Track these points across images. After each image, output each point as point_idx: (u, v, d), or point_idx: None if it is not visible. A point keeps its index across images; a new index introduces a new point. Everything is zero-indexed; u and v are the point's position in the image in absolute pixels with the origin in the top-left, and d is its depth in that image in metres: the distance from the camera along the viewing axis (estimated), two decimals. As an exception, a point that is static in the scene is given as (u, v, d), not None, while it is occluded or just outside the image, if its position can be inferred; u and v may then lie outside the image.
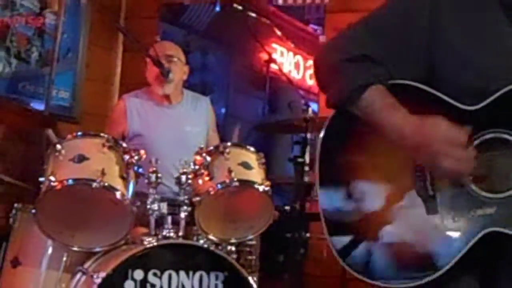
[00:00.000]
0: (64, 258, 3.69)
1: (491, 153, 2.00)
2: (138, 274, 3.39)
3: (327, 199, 2.28)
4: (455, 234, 2.02)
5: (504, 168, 2.00)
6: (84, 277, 3.53)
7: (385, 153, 2.14)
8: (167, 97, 4.46)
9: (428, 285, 2.02)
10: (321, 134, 2.23)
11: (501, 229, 1.94)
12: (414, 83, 2.10)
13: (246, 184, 3.70)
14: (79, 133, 3.71)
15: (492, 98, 1.97)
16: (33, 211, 3.58)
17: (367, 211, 2.18)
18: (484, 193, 1.98)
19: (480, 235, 1.95)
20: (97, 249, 3.63)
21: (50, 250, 3.75)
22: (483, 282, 2.05)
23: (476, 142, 1.98)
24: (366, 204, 2.18)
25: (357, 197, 2.21)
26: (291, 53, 7.93)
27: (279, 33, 7.62)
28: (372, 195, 2.17)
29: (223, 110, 7.22)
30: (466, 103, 2.01)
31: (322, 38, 5.53)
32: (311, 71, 7.90)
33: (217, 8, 6.76)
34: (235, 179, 3.64)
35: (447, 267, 1.98)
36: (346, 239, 2.21)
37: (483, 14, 2.10)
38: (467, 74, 2.04)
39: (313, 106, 5.66)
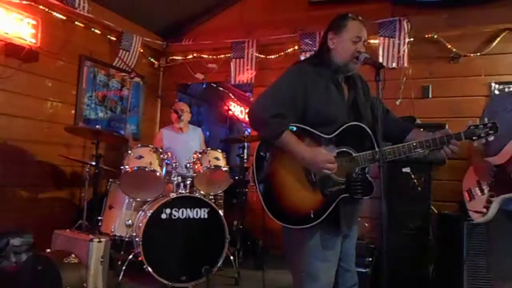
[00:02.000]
0: (133, 204, 3.69)
1: (341, 159, 1.98)
2: (167, 210, 3.37)
3: (262, 184, 2.07)
4: (326, 200, 1.97)
5: (346, 166, 1.98)
6: (142, 213, 3.51)
7: (289, 162, 2.01)
8: (181, 129, 4.39)
9: (309, 228, 1.98)
10: (255, 152, 2.09)
11: (347, 195, 1.95)
12: (305, 126, 2.01)
13: (217, 167, 3.67)
14: (139, 145, 3.65)
15: (337, 131, 1.98)
16: (118, 182, 3.55)
17: (282, 187, 2.04)
18: (339, 178, 1.96)
19: (339, 198, 1.96)
20: (148, 199, 3.60)
21: (126, 200, 3.73)
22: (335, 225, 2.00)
23: (334, 153, 1.96)
24: (282, 184, 2.04)
25: (281, 184, 2.05)
26: (238, 106, 7.93)
27: (233, 97, 7.67)
28: (286, 181, 2.04)
29: (207, 133, 7.17)
30: (324, 133, 1.99)
31: (251, 99, 5.51)
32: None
33: (204, 86, 6.74)
34: (212, 165, 3.65)
35: (323, 216, 1.96)
36: (270, 198, 2.04)
37: (327, 88, 2.04)
38: (322, 119, 2.00)
39: (248, 130, 5.67)
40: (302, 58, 4.67)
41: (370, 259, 3.31)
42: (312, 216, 1.96)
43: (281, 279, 3.67)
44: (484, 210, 2.53)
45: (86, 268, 2.93)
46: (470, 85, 4.25)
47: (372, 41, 4.48)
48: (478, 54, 4.25)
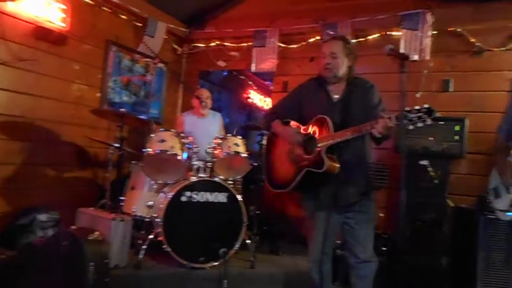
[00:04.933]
0: (155, 186, 3.69)
1: (309, 141, 2.44)
2: (187, 193, 3.38)
3: (266, 162, 2.76)
4: (297, 172, 2.46)
5: (311, 146, 2.41)
6: (163, 195, 3.51)
7: (279, 146, 2.68)
8: (202, 114, 4.37)
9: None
10: (265, 140, 2.89)
11: (310, 168, 2.38)
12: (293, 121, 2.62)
13: (237, 153, 3.64)
14: (162, 129, 3.65)
15: (310, 122, 2.49)
16: (141, 164, 3.58)
17: (274, 164, 2.70)
18: (306, 156, 2.42)
19: (304, 171, 2.41)
20: (169, 182, 3.61)
21: (148, 182, 3.75)
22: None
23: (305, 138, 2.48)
24: (273, 161, 2.70)
25: (273, 161, 2.70)
26: (258, 94, 7.85)
27: (252, 85, 7.63)
28: (276, 159, 2.68)
29: (227, 120, 7.06)
30: (303, 124, 2.55)
31: (271, 88, 5.45)
32: (266, 103, 7.82)
33: (225, 73, 6.71)
34: (232, 151, 3.63)
35: (292, 185, 2.47)
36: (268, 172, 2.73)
37: (315, 93, 2.54)
38: (307, 114, 2.52)
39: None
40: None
41: (384, 248, 3.29)
42: (287, 183, 2.50)
43: (296, 264, 3.68)
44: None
45: (109, 246, 2.98)
46: (492, 80, 4.13)
47: (394, 33, 4.40)
48: (502, 49, 4.13)
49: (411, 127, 2.03)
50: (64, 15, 3.93)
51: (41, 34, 3.77)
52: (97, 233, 2.82)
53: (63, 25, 3.93)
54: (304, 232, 2.60)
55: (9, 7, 3.49)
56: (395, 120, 2.06)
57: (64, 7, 3.93)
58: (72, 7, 4.02)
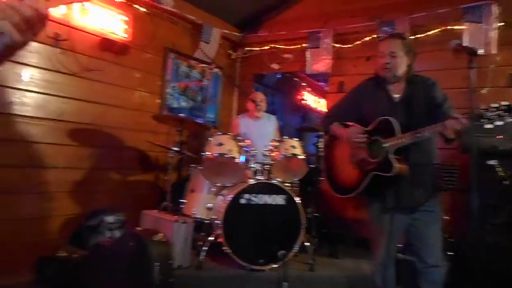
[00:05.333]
0: (213, 189, 3.76)
1: (374, 144, 2.38)
2: (246, 195, 3.42)
3: (326, 166, 2.76)
4: (363, 176, 2.42)
5: (377, 149, 2.35)
6: (222, 197, 3.58)
7: (340, 149, 2.65)
8: (257, 116, 4.40)
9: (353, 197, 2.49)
10: (324, 140, 3.14)
11: (378, 173, 2.34)
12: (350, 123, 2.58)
13: (294, 155, 3.64)
14: (219, 133, 3.72)
15: (373, 124, 2.43)
16: (200, 168, 3.65)
17: (335, 168, 2.67)
18: (371, 160, 2.38)
19: (371, 174, 2.38)
20: (228, 185, 3.67)
21: (207, 185, 3.82)
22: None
23: (370, 139, 2.42)
24: (335, 165, 2.67)
25: (334, 165, 2.68)
26: (312, 96, 7.76)
27: (306, 87, 7.57)
28: (338, 163, 2.65)
29: (281, 122, 7.07)
30: (366, 126, 2.47)
31: (326, 89, 5.36)
32: (320, 104, 7.72)
33: (278, 76, 6.70)
34: (289, 153, 3.63)
35: (359, 190, 2.44)
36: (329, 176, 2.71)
37: (374, 93, 2.51)
38: (369, 116, 2.46)
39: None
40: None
41: (451, 253, 3.14)
42: (353, 188, 2.46)
43: (358, 267, 3.61)
44: None
45: (172, 247, 3.07)
46: None
47: (456, 27, 4.20)
48: None
49: (489, 125, 1.97)
50: (126, 26, 4.12)
51: (106, 45, 3.98)
52: (161, 234, 2.92)
53: (125, 35, 4.12)
54: (367, 235, 2.55)
55: (77, 21, 3.72)
56: (470, 119, 2.00)
57: (126, 18, 4.12)
58: (133, 18, 4.21)
